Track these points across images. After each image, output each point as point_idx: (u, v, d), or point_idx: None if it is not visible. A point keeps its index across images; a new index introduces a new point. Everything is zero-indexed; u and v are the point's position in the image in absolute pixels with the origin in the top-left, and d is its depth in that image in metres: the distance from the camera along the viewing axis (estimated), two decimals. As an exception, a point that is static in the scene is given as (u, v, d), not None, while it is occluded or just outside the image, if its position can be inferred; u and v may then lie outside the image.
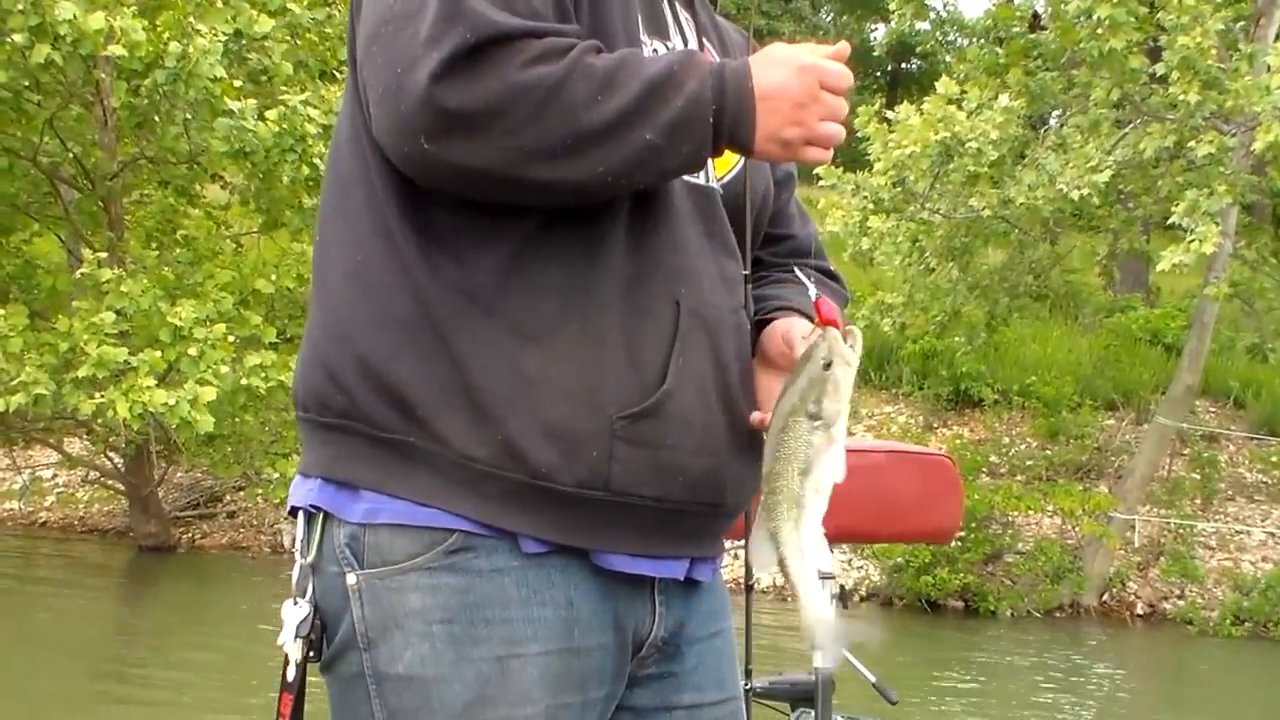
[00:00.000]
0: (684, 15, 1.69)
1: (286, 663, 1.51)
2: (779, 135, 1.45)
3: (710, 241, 1.60)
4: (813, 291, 1.61)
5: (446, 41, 1.34)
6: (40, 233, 12.97)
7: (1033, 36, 12.00)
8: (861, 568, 13.16)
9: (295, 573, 1.53)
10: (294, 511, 1.56)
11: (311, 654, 1.51)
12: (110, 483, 14.00)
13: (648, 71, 1.41)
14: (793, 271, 1.77)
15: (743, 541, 1.64)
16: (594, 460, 1.46)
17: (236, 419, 10.99)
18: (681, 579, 1.61)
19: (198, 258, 11.66)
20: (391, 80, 1.37)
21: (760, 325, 1.69)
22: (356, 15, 1.50)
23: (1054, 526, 13.53)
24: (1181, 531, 13.54)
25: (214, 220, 12.79)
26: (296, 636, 1.50)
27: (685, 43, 1.66)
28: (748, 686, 2.77)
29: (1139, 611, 12.87)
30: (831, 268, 1.85)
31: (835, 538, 2.88)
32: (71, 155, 11.74)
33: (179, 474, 14.80)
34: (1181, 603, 12.85)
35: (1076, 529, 13.16)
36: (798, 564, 1.53)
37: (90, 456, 13.83)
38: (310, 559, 1.52)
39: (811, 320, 1.62)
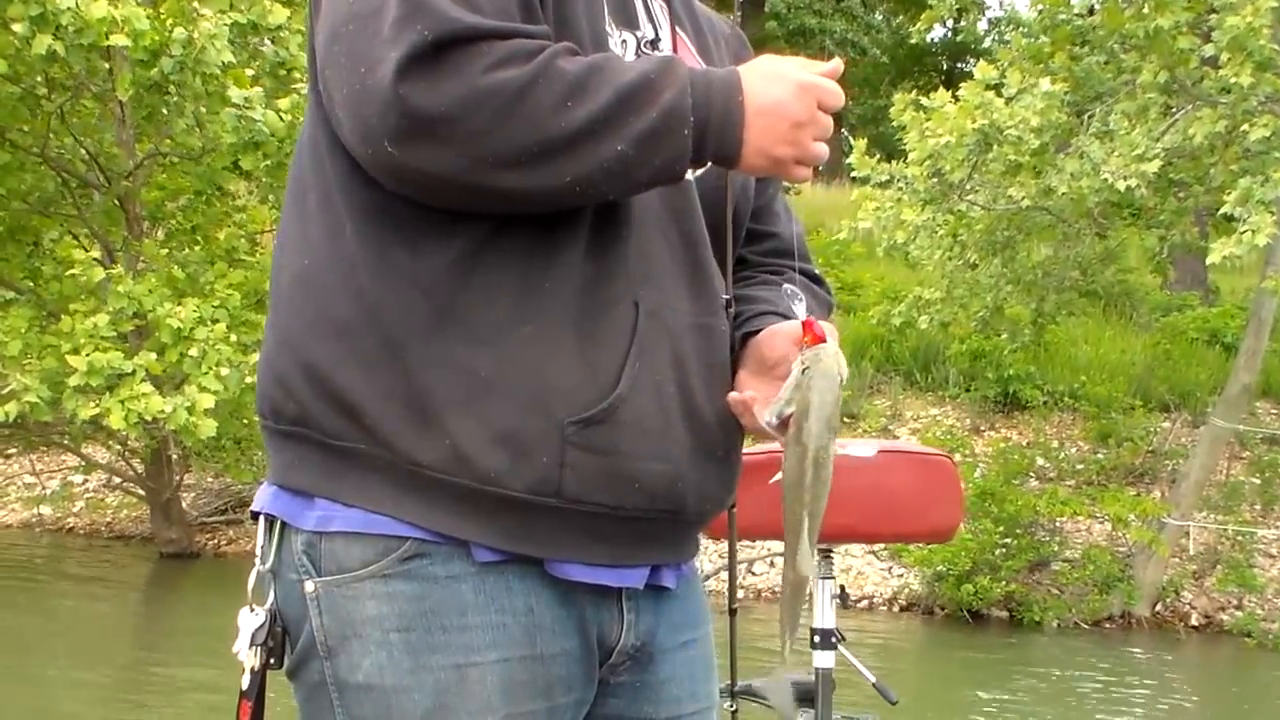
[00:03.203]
0: (657, 3, 1.64)
1: (243, 670, 1.50)
2: (771, 152, 1.43)
3: (679, 239, 1.55)
4: (801, 312, 1.57)
5: (404, 40, 1.31)
6: (63, 233, 12.79)
7: (1080, 22, 11.47)
8: (901, 576, 12.70)
9: (252, 579, 1.52)
10: (256, 516, 1.55)
11: (272, 661, 1.50)
12: (132, 488, 13.83)
13: (621, 79, 1.36)
14: (780, 274, 1.75)
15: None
16: (544, 466, 1.42)
17: (245, 421, 10.72)
18: (642, 587, 1.57)
19: (211, 256, 11.43)
20: (354, 81, 1.34)
21: (747, 331, 1.65)
22: (315, 15, 1.47)
23: (1104, 533, 12.96)
24: (1240, 539, 12.89)
25: (234, 222, 12.56)
26: (252, 644, 1.49)
27: (656, 32, 1.61)
28: (743, 686, 2.78)
29: (1194, 623, 12.23)
30: (816, 271, 1.82)
31: (836, 537, 3.08)
32: (85, 152, 11.52)
33: (209, 478, 14.62)
34: (1239, 614, 12.18)
35: (1127, 535, 12.58)
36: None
37: (111, 461, 13.66)
38: (269, 565, 1.50)
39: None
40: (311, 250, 1.49)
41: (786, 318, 1.64)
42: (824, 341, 1.50)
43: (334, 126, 1.43)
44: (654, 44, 1.60)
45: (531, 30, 1.39)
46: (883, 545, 12.19)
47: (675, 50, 1.62)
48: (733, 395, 1.56)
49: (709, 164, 1.46)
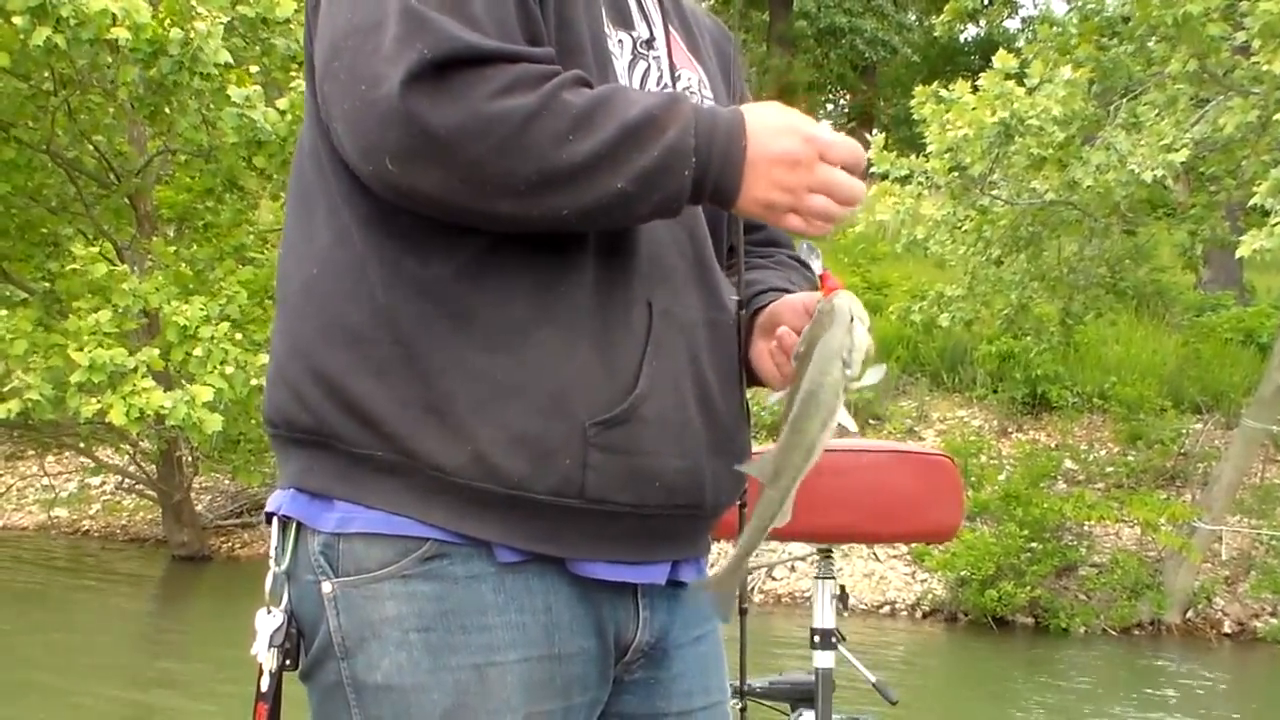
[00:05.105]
0: (650, 2, 1.65)
1: (261, 672, 1.50)
2: (763, 198, 1.43)
3: (685, 237, 1.57)
4: (818, 266, 1.60)
5: (404, 59, 1.30)
6: (75, 231, 12.67)
7: (1111, 13, 11.17)
8: (924, 581, 12.41)
9: (269, 580, 1.51)
10: (270, 518, 1.55)
11: (287, 663, 1.49)
12: (144, 490, 13.71)
13: (625, 114, 1.36)
14: (771, 257, 1.77)
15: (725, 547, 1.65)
16: (567, 468, 1.43)
17: (255, 421, 10.57)
18: (663, 583, 1.59)
19: (220, 253, 11.29)
20: (355, 97, 1.34)
21: (754, 308, 1.67)
22: (314, 16, 1.45)
23: (1133, 537, 12.62)
24: (1274, 543, 12.52)
25: (248, 220, 12.43)
26: (270, 646, 1.49)
27: (650, 31, 1.63)
28: (745, 686, 2.73)
29: (1226, 630, 11.87)
30: (802, 257, 1.82)
31: (836, 537, 3.10)
32: (94, 149, 11.40)
33: (225, 481, 14.48)
34: (1274, 621, 11.84)
35: (1157, 540, 12.23)
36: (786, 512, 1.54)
37: (124, 464, 13.54)
38: (285, 566, 1.50)
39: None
40: (319, 258, 1.48)
41: (786, 293, 1.66)
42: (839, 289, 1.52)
43: (334, 140, 1.42)
44: (649, 43, 1.62)
45: (537, 55, 1.38)
46: (906, 548, 11.95)
47: (669, 48, 1.64)
48: (776, 339, 1.57)
49: (704, 203, 1.46)
